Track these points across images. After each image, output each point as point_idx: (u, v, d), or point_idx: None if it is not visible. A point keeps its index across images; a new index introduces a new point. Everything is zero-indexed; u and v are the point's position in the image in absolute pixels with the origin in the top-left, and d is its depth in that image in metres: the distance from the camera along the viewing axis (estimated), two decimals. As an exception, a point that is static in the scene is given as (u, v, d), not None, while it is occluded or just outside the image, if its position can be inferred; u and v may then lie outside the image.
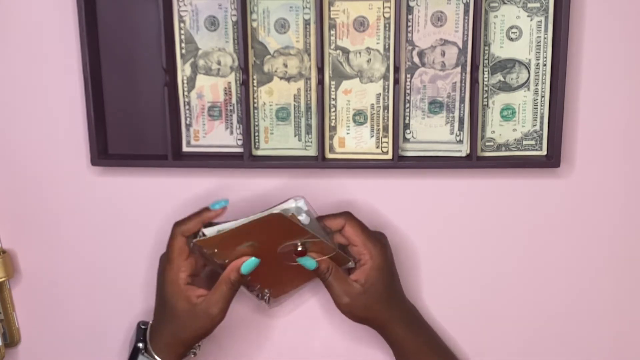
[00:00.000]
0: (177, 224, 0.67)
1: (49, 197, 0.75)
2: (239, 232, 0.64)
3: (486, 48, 0.69)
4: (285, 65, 0.70)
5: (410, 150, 0.71)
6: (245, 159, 0.70)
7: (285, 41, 0.70)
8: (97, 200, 0.75)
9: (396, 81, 0.69)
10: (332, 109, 0.71)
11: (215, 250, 0.65)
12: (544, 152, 0.70)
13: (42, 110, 0.74)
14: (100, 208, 0.75)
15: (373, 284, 0.66)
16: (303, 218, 0.65)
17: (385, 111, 0.70)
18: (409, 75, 0.70)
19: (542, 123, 0.70)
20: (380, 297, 0.66)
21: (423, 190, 0.72)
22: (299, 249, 0.65)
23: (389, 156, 0.71)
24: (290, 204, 0.66)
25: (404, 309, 0.69)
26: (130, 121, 0.73)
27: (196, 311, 0.65)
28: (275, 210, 0.64)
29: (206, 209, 0.66)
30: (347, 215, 0.67)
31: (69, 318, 0.78)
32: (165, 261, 0.67)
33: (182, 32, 0.70)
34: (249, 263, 0.65)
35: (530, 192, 0.72)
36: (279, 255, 0.66)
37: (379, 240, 0.67)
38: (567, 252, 0.73)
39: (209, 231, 0.65)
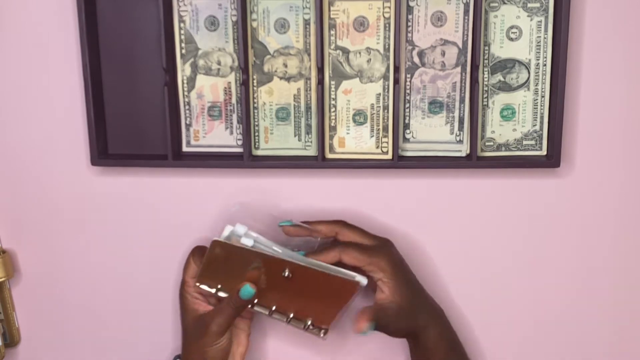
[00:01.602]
0: (196, 250, 0.68)
1: (49, 197, 0.75)
2: (212, 268, 0.65)
3: (486, 48, 0.69)
4: (285, 65, 0.71)
5: (410, 150, 0.71)
6: (245, 159, 0.70)
7: (285, 41, 0.70)
8: (97, 200, 0.75)
9: (396, 81, 0.69)
10: (332, 109, 0.71)
11: (219, 286, 0.67)
12: (544, 152, 0.70)
13: (42, 110, 0.74)
14: (100, 208, 0.75)
15: (399, 294, 0.65)
16: (246, 241, 0.64)
17: (385, 111, 0.70)
18: (409, 75, 0.70)
19: (542, 123, 0.70)
20: (411, 302, 0.65)
21: (423, 190, 0.72)
22: (285, 274, 0.64)
23: (389, 156, 0.71)
24: (225, 231, 0.65)
25: (433, 310, 0.68)
26: (130, 121, 0.73)
27: (201, 323, 0.66)
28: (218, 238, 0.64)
29: None
30: (339, 249, 0.65)
31: (69, 318, 0.78)
32: (181, 282, 0.69)
33: (182, 32, 0.70)
34: (244, 290, 0.65)
35: (530, 192, 0.72)
36: (288, 282, 0.65)
37: (381, 253, 0.66)
38: (567, 251, 0.73)
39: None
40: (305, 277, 0.64)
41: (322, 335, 0.67)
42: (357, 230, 0.68)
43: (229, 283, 0.66)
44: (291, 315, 0.67)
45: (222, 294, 0.67)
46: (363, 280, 0.64)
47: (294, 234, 0.68)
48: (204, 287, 0.67)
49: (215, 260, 0.65)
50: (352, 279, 0.64)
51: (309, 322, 0.67)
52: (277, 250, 0.65)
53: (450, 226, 0.73)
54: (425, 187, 0.72)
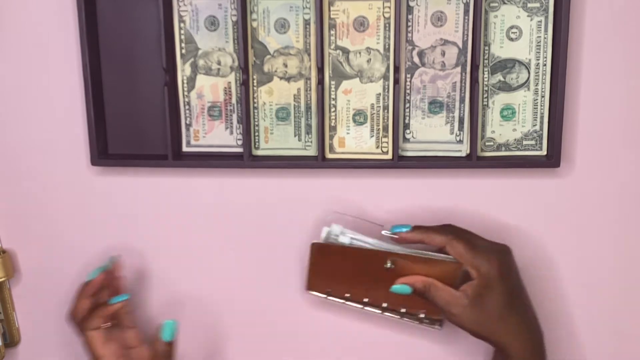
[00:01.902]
0: (71, 317, 0.69)
1: (49, 197, 0.75)
2: (317, 272, 0.69)
3: (486, 48, 0.69)
4: (285, 65, 0.71)
5: (410, 150, 0.71)
6: (245, 159, 0.70)
7: (285, 41, 0.70)
8: (97, 200, 0.75)
9: (396, 81, 0.69)
10: (332, 109, 0.71)
11: (329, 290, 0.70)
12: (544, 152, 0.70)
13: (42, 110, 0.74)
14: (100, 208, 0.75)
15: (482, 300, 0.63)
16: (343, 239, 0.67)
17: (385, 111, 0.70)
18: (409, 75, 0.70)
19: (542, 123, 0.70)
20: (492, 315, 0.63)
21: (423, 190, 0.72)
22: (387, 265, 0.66)
23: (389, 156, 0.71)
24: (323, 233, 0.68)
25: (528, 334, 0.65)
26: (130, 121, 0.73)
27: None
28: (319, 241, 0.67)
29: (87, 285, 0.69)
30: (449, 237, 0.64)
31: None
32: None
33: (182, 32, 0.70)
34: (167, 327, 0.66)
35: (530, 192, 0.72)
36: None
37: (488, 258, 0.64)
38: (567, 251, 0.73)
39: None
40: (407, 265, 0.66)
41: (437, 327, 0.70)
42: (470, 234, 0.66)
43: (337, 285, 0.69)
44: (403, 310, 0.69)
45: (332, 299, 0.70)
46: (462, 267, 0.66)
47: (410, 241, 0.66)
48: (315, 293, 0.70)
49: (318, 264, 0.68)
50: (455, 262, 0.64)
51: (422, 315, 0.69)
52: (375, 243, 0.67)
53: (450, 226, 0.73)
54: (425, 187, 0.72)
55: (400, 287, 0.65)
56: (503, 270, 0.64)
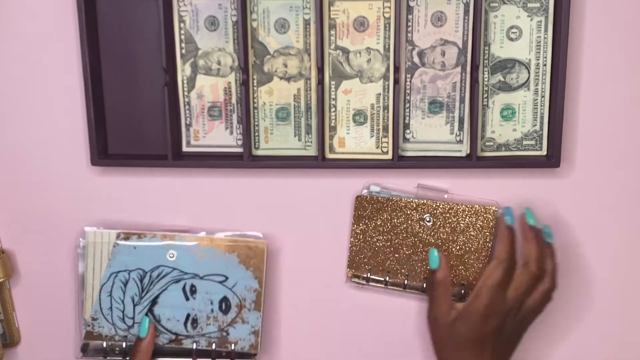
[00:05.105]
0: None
1: (49, 197, 0.75)
2: (357, 250, 0.72)
3: (486, 48, 0.69)
4: (285, 65, 0.71)
5: (410, 150, 0.71)
6: (245, 159, 0.70)
7: (285, 41, 0.70)
8: (97, 200, 0.75)
9: (396, 81, 0.69)
10: (332, 109, 0.71)
11: (369, 268, 0.72)
12: (544, 152, 0.70)
13: (42, 110, 0.74)
14: (100, 208, 0.75)
15: (463, 323, 0.64)
16: (385, 193, 0.70)
17: (385, 111, 0.70)
18: (409, 75, 0.70)
19: (542, 123, 0.70)
20: (454, 343, 0.64)
21: (423, 190, 0.73)
22: (427, 221, 0.70)
23: (389, 156, 0.71)
24: (364, 192, 0.71)
25: None
26: (130, 121, 0.73)
27: None
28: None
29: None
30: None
31: (69, 318, 0.78)
32: None
33: (182, 32, 0.70)
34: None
35: (530, 192, 0.72)
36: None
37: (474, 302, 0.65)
38: (567, 252, 0.73)
39: None
40: (445, 216, 0.70)
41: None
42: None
43: (378, 260, 0.71)
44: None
45: (374, 277, 0.72)
46: (500, 208, 0.70)
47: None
48: (356, 280, 0.72)
49: (358, 238, 0.71)
50: (493, 205, 0.70)
51: (462, 291, 0.71)
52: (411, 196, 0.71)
53: (450, 226, 0.73)
54: (425, 187, 0.72)
55: (434, 256, 0.66)
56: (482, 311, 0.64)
